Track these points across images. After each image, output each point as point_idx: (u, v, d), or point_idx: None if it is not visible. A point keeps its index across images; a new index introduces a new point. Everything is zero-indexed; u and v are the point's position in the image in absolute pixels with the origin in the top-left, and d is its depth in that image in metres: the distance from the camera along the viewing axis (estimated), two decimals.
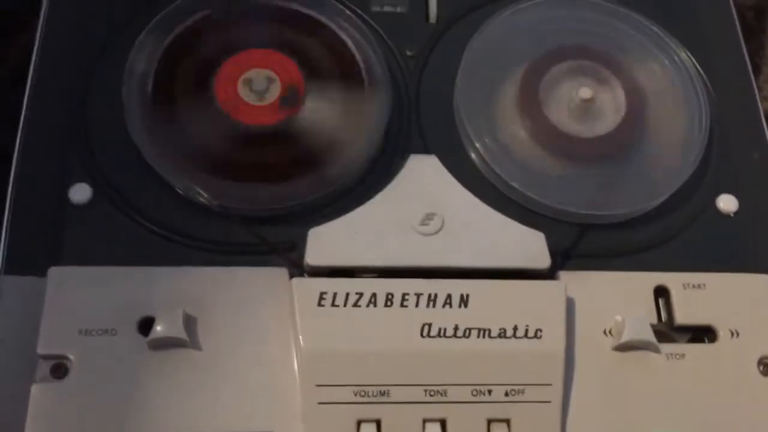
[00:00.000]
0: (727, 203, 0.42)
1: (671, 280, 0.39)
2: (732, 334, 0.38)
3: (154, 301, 0.36)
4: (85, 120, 0.40)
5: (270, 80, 0.41)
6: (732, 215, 0.42)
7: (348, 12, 0.43)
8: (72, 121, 0.40)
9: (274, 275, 0.38)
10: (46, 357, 0.35)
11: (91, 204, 0.39)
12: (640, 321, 0.37)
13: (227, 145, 0.40)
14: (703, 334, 0.39)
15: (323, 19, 0.43)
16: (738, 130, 0.45)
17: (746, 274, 0.40)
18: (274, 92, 0.41)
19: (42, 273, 0.37)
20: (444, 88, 0.43)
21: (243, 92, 0.41)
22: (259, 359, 0.36)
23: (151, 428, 0.34)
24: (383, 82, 0.41)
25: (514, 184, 0.40)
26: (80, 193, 0.39)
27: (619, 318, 0.37)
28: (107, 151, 0.40)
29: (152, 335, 0.35)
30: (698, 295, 0.39)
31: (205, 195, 0.38)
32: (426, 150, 0.41)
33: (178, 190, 0.39)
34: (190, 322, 0.36)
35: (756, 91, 0.46)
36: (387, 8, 0.45)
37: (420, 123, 0.42)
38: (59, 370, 0.35)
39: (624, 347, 0.37)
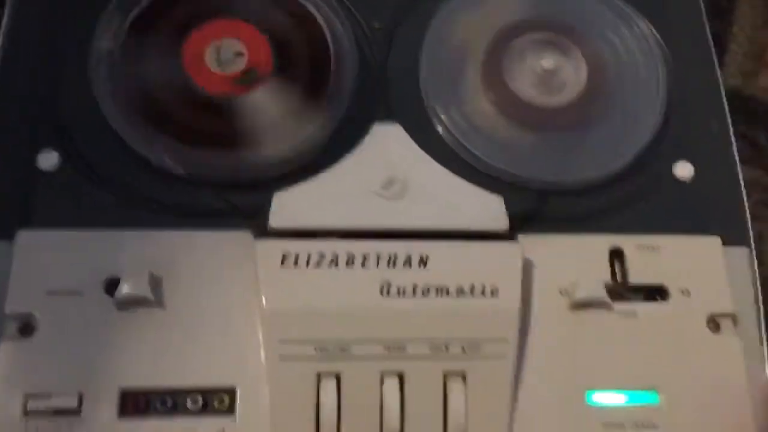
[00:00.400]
0: (683, 170, 0.43)
1: (626, 242, 0.40)
2: (683, 293, 0.39)
3: (120, 262, 0.37)
4: (53, 88, 0.41)
5: (238, 54, 0.42)
6: (688, 182, 0.43)
7: None
8: (40, 90, 0.41)
9: (240, 238, 0.38)
10: (13, 316, 0.36)
11: (58, 170, 0.40)
12: (594, 280, 0.38)
13: (194, 112, 0.40)
14: (655, 293, 0.40)
15: None
16: (697, 102, 0.46)
17: (698, 237, 0.41)
18: (239, 65, 0.41)
19: (11, 237, 0.37)
20: (410, 60, 0.44)
21: (210, 61, 0.41)
22: (223, 318, 0.37)
23: (117, 384, 0.35)
24: (349, 54, 0.42)
25: (476, 152, 0.41)
26: (48, 160, 0.40)
27: (573, 277, 0.38)
28: (75, 119, 0.41)
29: (118, 295, 0.36)
30: (651, 256, 0.40)
31: (172, 162, 0.39)
32: (391, 119, 0.42)
33: (146, 157, 0.40)
34: (155, 283, 0.37)
35: (716, 64, 0.47)
36: None
37: (386, 93, 0.43)
38: (27, 328, 0.36)
39: (578, 305, 0.38)
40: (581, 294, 0.38)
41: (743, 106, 0.64)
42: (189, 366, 0.36)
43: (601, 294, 0.38)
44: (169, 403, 0.35)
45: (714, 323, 0.39)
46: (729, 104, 0.53)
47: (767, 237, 0.56)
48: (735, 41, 0.65)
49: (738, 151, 0.55)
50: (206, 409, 0.36)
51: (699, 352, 0.38)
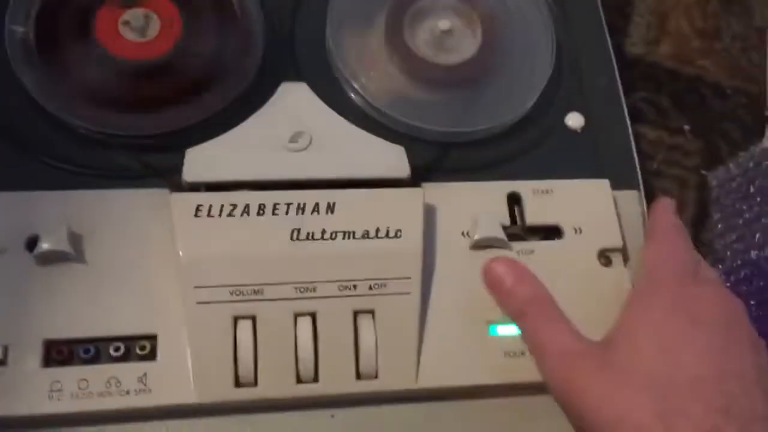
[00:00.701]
0: (575, 120, 0.46)
1: (522, 186, 0.43)
2: (575, 231, 0.42)
3: (41, 221, 0.39)
4: None
5: (147, 17, 0.43)
6: (579, 131, 0.46)
7: None
8: None
9: (157, 196, 0.40)
10: None
11: None
12: (491, 220, 0.41)
13: (109, 79, 0.42)
14: (551, 233, 0.43)
15: None
16: (588, 58, 0.49)
17: (588, 180, 0.44)
18: (155, 29, 0.43)
19: None
20: (318, 20, 0.46)
21: (125, 32, 0.43)
22: (143, 270, 0.39)
23: (40, 336, 0.37)
24: (256, 16, 0.45)
25: (381, 107, 0.44)
26: None
27: (472, 219, 0.41)
28: None
29: (37, 250, 0.38)
30: (546, 198, 0.43)
31: (89, 125, 0.41)
32: (298, 78, 0.44)
33: (64, 121, 0.41)
34: (75, 239, 0.39)
35: (603, 20, 0.50)
36: None
37: (294, 54, 0.45)
38: None
39: (478, 245, 0.41)
40: (481, 234, 0.41)
41: (647, 72, 0.68)
42: (110, 316, 0.38)
43: (499, 233, 0.41)
44: (92, 351, 0.37)
45: (605, 258, 0.42)
46: (634, 71, 0.56)
47: (672, 193, 0.59)
48: (637, 11, 0.69)
49: (644, 114, 0.59)
50: (129, 355, 0.37)
51: (591, 285, 0.41)
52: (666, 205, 0.43)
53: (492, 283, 0.40)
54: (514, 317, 0.39)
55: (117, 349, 0.37)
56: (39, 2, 0.44)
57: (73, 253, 0.38)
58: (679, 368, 0.34)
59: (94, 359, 0.37)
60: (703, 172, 0.62)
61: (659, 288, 0.38)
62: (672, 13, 0.70)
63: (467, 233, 0.42)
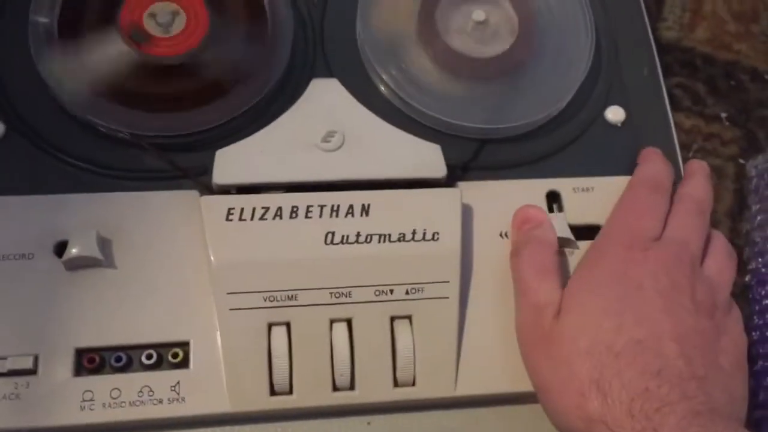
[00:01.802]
0: (615, 114, 0.45)
1: (562, 185, 0.42)
2: None
3: (69, 225, 0.38)
4: None
5: (175, 13, 0.42)
6: (619, 125, 0.45)
7: None
8: None
9: (186, 197, 0.39)
10: None
11: (4, 138, 0.40)
12: (559, 220, 0.40)
13: (135, 77, 0.41)
14: (593, 233, 0.41)
15: None
16: (628, 49, 0.47)
17: (630, 177, 0.42)
18: (180, 24, 0.42)
19: None
20: (348, 15, 0.45)
21: (149, 26, 0.42)
22: (173, 275, 0.38)
23: (71, 344, 0.36)
24: (285, 10, 0.43)
25: (414, 104, 0.42)
26: None
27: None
28: (18, 89, 0.41)
29: (66, 255, 0.37)
30: (587, 197, 0.42)
31: (116, 126, 0.40)
32: (329, 74, 0.43)
33: (90, 123, 0.40)
34: (104, 243, 0.38)
35: (643, 10, 0.48)
36: None
37: (324, 49, 0.44)
38: None
39: None
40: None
41: (682, 57, 0.66)
42: (142, 323, 0.37)
43: (568, 234, 0.40)
44: (124, 360, 0.36)
45: None
46: (668, 56, 0.54)
47: None
48: None
49: (678, 101, 0.57)
50: (161, 363, 0.37)
51: None
52: (648, 155, 0.42)
53: (515, 220, 0.40)
54: (512, 253, 0.39)
55: (149, 357, 0.37)
56: None
57: (103, 258, 0.37)
58: (619, 333, 0.34)
59: (126, 367, 0.36)
60: (741, 161, 0.60)
61: (604, 255, 0.38)
62: None
63: (505, 234, 0.40)
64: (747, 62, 0.66)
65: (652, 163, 0.42)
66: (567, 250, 0.40)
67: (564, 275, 0.39)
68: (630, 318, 0.34)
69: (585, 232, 0.41)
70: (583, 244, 0.41)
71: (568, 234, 0.40)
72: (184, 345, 0.37)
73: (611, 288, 0.36)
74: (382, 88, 0.43)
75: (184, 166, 0.40)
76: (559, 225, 0.40)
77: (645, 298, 0.35)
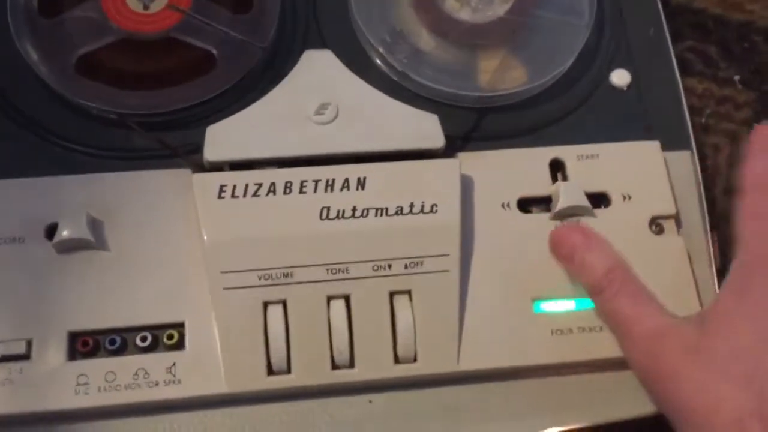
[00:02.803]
0: (619, 78, 0.43)
1: (566, 152, 0.40)
2: (624, 198, 0.40)
3: (59, 208, 0.37)
4: None
5: None
6: (625, 89, 0.43)
7: None
8: None
9: (178, 176, 0.38)
10: None
11: None
12: (573, 187, 0.38)
13: (118, 54, 0.40)
14: (599, 202, 0.40)
15: None
16: (631, 8, 0.45)
17: (636, 142, 0.41)
18: (162, 1, 0.41)
19: None
20: None
21: (130, 0, 0.41)
22: (167, 255, 0.37)
23: (64, 327, 0.35)
24: None
25: (410, 73, 0.41)
26: None
27: (553, 187, 0.39)
28: (1, 69, 0.40)
29: (57, 238, 0.36)
30: (592, 164, 0.40)
31: (101, 106, 0.39)
32: (322, 45, 0.42)
33: (75, 102, 0.39)
34: (95, 225, 0.37)
35: None
36: None
37: (316, 19, 0.43)
38: None
39: (560, 215, 0.39)
40: (564, 203, 0.38)
41: (693, 19, 0.64)
42: (135, 304, 0.36)
43: (583, 201, 0.38)
44: (118, 342, 0.36)
45: (657, 225, 0.40)
46: (678, 18, 0.53)
47: (723, 149, 0.56)
48: None
49: (690, 65, 0.55)
50: (156, 345, 0.36)
51: (644, 254, 0.38)
52: (763, 141, 0.36)
53: (563, 252, 0.37)
54: (591, 292, 0.36)
55: (144, 339, 0.36)
56: None
57: (94, 240, 0.36)
58: None
59: (121, 350, 0.36)
60: (756, 125, 0.58)
61: (756, 268, 0.33)
62: None
63: (507, 204, 0.39)
64: (761, 23, 0.64)
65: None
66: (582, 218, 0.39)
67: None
68: None
69: (592, 200, 0.39)
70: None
71: (584, 203, 0.38)
72: (179, 326, 0.36)
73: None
74: (376, 59, 0.42)
75: (174, 144, 0.39)
76: (574, 195, 0.38)
77: None
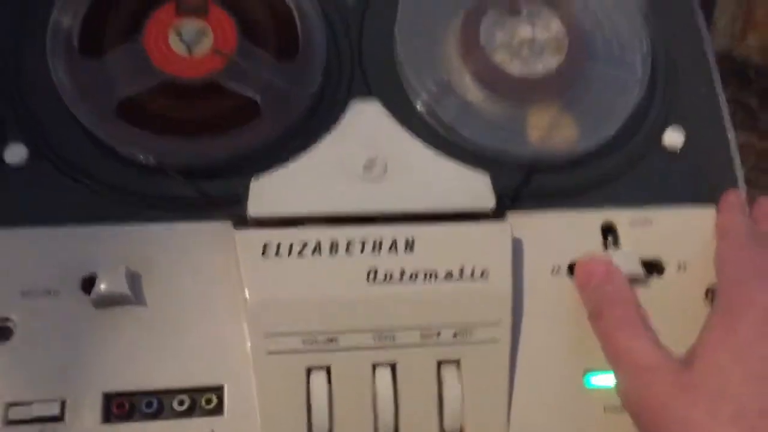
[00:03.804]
0: (672, 138, 0.42)
1: (618, 216, 0.39)
2: (679, 267, 0.38)
3: (96, 259, 0.36)
4: (17, 79, 0.39)
5: (201, 32, 0.40)
6: (678, 150, 0.42)
7: None
8: (3, 81, 0.39)
9: (219, 229, 0.37)
10: None
11: (27, 164, 0.38)
12: (628, 255, 0.37)
13: (159, 98, 0.39)
14: (652, 270, 0.39)
15: None
16: (684, 66, 0.44)
17: (691, 208, 0.40)
18: (206, 44, 0.40)
19: None
20: (386, 32, 0.42)
21: (173, 43, 0.40)
22: (206, 313, 0.36)
23: (99, 388, 0.34)
24: (319, 29, 0.41)
25: (458, 128, 0.40)
26: (16, 153, 0.38)
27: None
28: (41, 110, 0.39)
29: (95, 293, 0.35)
30: (645, 230, 0.39)
31: (141, 152, 0.38)
32: (368, 95, 0.41)
33: (114, 148, 0.38)
34: (133, 279, 0.36)
35: (703, 23, 0.45)
36: None
37: (362, 68, 0.41)
38: (3, 332, 0.35)
39: None
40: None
41: (734, 68, 0.63)
42: (173, 365, 0.35)
43: (638, 269, 0.38)
44: (155, 406, 0.34)
45: (713, 296, 0.38)
46: (719, 67, 0.51)
47: None
48: (722, 2, 0.64)
49: (730, 115, 0.54)
50: (194, 409, 0.35)
51: (698, 326, 0.37)
52: (732, 201, 0.40)
53: (580, 278, 0.38)
54: (592, 316, 0.37)
55: (181, 403, 0.35)
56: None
57: (132, 294, 0.35)
58: (766, 398, 0.32)
59: (157, 414, 0.34)
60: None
61: (744, 305, 0.34)
62: (760, 2, 0.64)
63: (557, 269, 0.38)
64: None
65: (740, 212, 0.40)
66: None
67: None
68: None
69: (645, 267, 0.38)
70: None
71: (638, 271, 0.37)
72: (218, 390, 0.35)
73: (756, 347, 0.33)
74: (420, 106, 0.41)
75: (215, 195, 0.38)
76: (628, 263, 0.37)
77: None
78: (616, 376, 0.35)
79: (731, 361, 0.33)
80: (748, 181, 0.55)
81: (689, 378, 0.33)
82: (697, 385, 0.32)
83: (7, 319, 0.35)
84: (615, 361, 0.35)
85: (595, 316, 0.36)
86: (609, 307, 0.36)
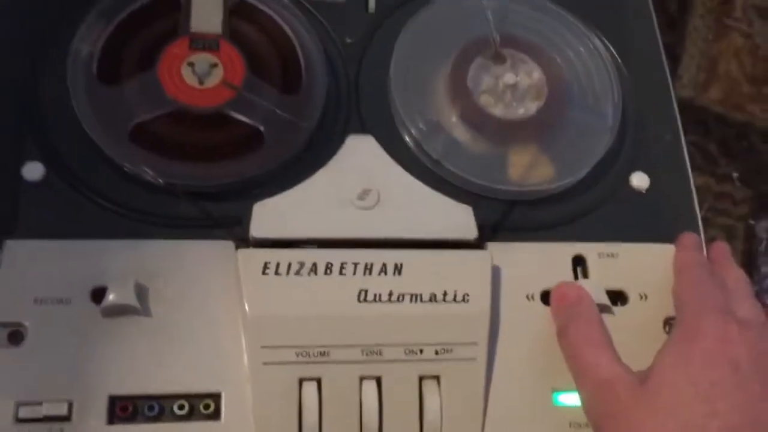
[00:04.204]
0: (639, 181, 0.46)
1: (588, 249, 0.43)
2: (641, 298, 0.42)
3: (106, 271, 0.39)
4: (36, 100, 0.42)
5: (213, 65, 0.43)
6: (643, 192, 0.46)
7: (289, 1, 0.46)
8: (24, 102, 0.42)
9: (221, 248, 0.40)
10: (2, 324, 0.37)
11: (44, 181, 0.41)
12: (594, 287, 0.41)
13: (171, 125, 0.42)
14: (616, 299, 0.42)
15: (265, 8, 0.46)
16: (652, 114, 0.49)
17: (654, 244, 0.44)
18: (216, 77, 0.43)
19: None
20: (381, 73, 0.46)
21: (186, 74, 0.43)
22: (207, 325, 0.38)
23: (105, 391, 0.37)
24: (320, 67, 0.44)
25: (444, 163, 0.43)
26: (33, 171, 0.41)
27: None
28: (58, 130, 0.42)
29: (105, 303, 0.37)
30: (611, 263, 0.43)
31: (151, 173, 0.41)
32: (364, 130, 0.44)
33: (127, 169, 0.41)
34: (141, 291, 0.38)
35: (669, 77, 0.50)
36: None
37: (358, 105, 0.45)
38: (16, 336, 0.37)
39: None
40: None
41: (695, 116, 0.67)
42: (175, 372, 0.37)
43: (605, 300, 0.41)
44: (156, 409, 0.37)
45: (670, 326, 0.42)
46: (682, 115, 0.56)
47: None
48: (688, 53, 0.69)
49: (690, 159, 0.58)
50: (192, 414, 0.37)
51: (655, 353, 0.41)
52: (689, 241, 0.43)
53: (554, 299, 0.41)
54: (560, 332, 0.40)
55: (181, 407, 0.37)
56: (112, 25, 0.43)
57: (139, 306, 0.38)
58: (714, 418, 0.34)
59: (158, 417, 0.37)
60: (752, 221, 0.61)
61: (699, 334, 0.37)
62: (722, 57, 0.69)
63: (532, 296, 0.41)
64: (760, 124, 0.67)
65: (696, 250, 0.43)
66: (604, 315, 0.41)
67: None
68: (726, 403, 0.34)
69: (610, 296, 0.42)
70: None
71: (605, 300, 0.41)
72: (216, 396, 0.37)
73: (707, 372, 0.35)
74: (411, 143, 0.44)
75: (219, 216, 0.41)
76: (595, 292, 0.41)
77: (741, 382, 0.35)
78: (579, 389, 0.38)
79: (684, 382, 0.35)
80: (705, 220, 0.59)
81: (644, 392, 0.36)
82: (650, 398, 0.35)
83: (20, 324, 0.37)
84: (579, 373, 0.38)
85: (563, 333, 0.39)
86: (575, 324, 0.39)
